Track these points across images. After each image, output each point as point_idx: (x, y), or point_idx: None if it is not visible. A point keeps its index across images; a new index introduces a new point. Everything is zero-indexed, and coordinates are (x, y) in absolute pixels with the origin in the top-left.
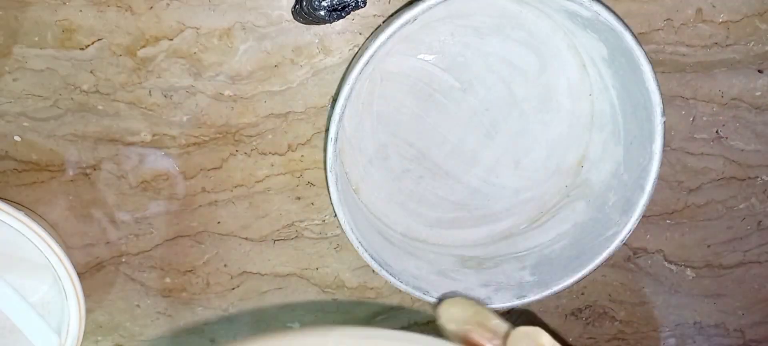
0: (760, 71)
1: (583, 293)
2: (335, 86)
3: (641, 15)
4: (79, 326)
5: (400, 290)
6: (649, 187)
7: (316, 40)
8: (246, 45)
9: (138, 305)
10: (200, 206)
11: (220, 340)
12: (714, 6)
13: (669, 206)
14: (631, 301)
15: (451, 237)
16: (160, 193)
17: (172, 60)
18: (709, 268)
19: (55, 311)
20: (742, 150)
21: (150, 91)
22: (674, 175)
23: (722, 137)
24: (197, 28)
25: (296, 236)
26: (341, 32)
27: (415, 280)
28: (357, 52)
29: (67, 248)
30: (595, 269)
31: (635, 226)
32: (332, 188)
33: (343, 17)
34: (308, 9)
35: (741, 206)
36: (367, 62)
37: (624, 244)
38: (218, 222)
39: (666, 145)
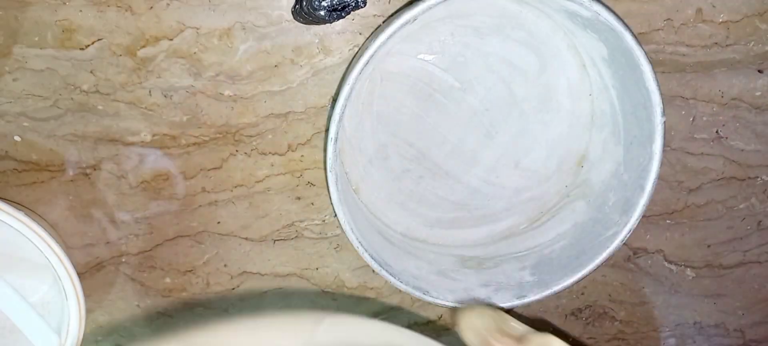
0: (760, 71)
1: (583, 293)
2: (335, 86)
3: (641, 15)
4: (79, 326)
5: (400, 290)
6: (649, 187)
7: (316, 40)
8: (246, 45)
9: (138, 305)
10: (200, 206)
11: None
12: (714, 6)
13: (669, 206)
14: (631, 301)
15: (451, 237)
16: (160, 193)
17: (172, 60)
18: (709, 268)
19: (55, 311)
20: (742, 150)
21: (150, 91)
22: (674, 175)
23: (722, 137)
24: (197, 28)
25: (296, 236)
26: (341, 32)
27: (415, 280)
28: (357, 52)
29: (67, 248)
30: (595, 269)
31: (635, 226)
32: (332, 188)
33: (343, 17)
34: (308, 9)
35: (741, 206)
36: (367, 62)
37: (624, 244)
38: (218, 222)
39: (666, 145)
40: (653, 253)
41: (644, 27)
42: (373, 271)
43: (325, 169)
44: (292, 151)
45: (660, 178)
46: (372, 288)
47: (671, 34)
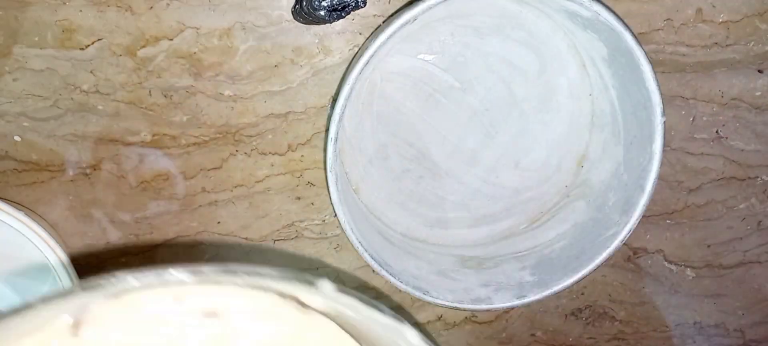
0: (760, 71)
1: (583, 293)
2: (335, 86)
3: (641, 15)
4: None
5: (400, 290)
6: (649, 187)
7: (316, 40)
8: (246, 45)
9: None
10: (200, 206)
11: None
12: (714, 6)
13: (669, 206)
14: (631, 301)
15: (451, 237)
16: (160, 193)
17: (172, 60)
18: (709, 268)
19: None
20: (742, 150)
21: (150, 91)
22: (674, 175)
23: (722, 137)
24: (197, 28)
25: (296, 236)
26: (341, 32)
27: (415, 280)
28: (357, 52)
29: (67, 248)
30: (595, 269)
31: (635, 226)
32: (332, 188)
33: (343, 17)
34: (308, 9)
35: (741, 206)
36: (367, 62)
37: (624, 244)
38: (218, 222)
39: (666, 145)
40: (653, 253)
41: (644, 27)
42: (373, 271)
43: (325, 169)
44: (292, 151)
45: (660, 178)
46: (372, 288)
47: (671, 34)
